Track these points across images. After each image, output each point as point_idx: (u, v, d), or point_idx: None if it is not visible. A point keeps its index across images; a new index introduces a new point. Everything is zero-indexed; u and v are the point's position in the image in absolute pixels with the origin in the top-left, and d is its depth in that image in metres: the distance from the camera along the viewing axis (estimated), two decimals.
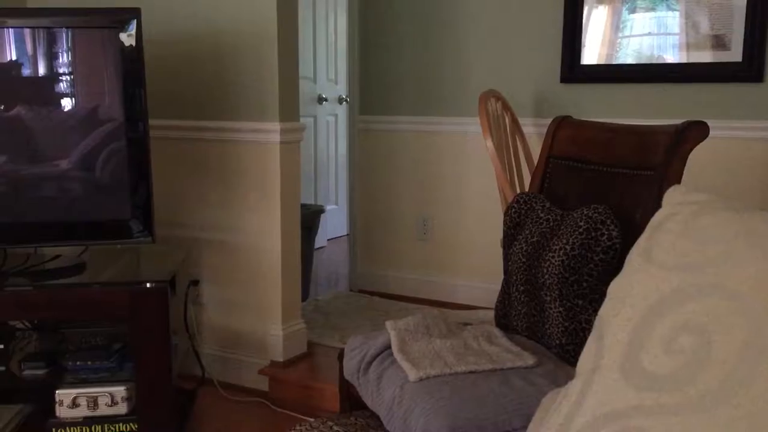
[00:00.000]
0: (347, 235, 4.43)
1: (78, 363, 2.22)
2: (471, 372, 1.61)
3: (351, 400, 1.89)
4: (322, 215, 3.92)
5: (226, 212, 2.76)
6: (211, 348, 2.85)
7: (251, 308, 2.76)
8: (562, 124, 2.07)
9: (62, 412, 2.13)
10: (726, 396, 0.65)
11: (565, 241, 1.70)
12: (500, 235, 2.18)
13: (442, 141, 3.53)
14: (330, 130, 5.06)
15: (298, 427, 1.74)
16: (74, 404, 2.13)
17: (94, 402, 2.13)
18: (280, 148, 2.61)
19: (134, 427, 2.14)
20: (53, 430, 2.13)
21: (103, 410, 2.13)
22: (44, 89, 2.18)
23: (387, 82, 3.65)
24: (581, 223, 1.69)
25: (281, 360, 2.71)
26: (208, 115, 2.74)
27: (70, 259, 2.33)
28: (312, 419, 1.77)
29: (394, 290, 3.70)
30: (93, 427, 2.14)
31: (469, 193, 3.49)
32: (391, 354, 1.73)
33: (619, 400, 0.72)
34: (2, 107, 2.14)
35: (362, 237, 3.83)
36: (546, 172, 2.06)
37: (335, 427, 1.68)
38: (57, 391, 2.13)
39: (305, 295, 3.41)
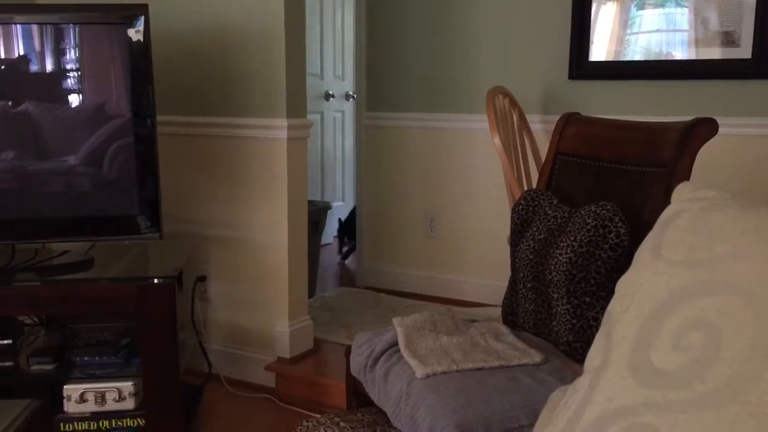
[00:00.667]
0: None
1: (86, 358, 2.22)
2: (478, 369, 1.61)
3: (358, 397, 1.90)
4: (329, 212, 3.92)
5: (233, 208, 2.76)
6: (218, 344, 2.85)
7: (258, 304, 2.77)
8: (570, 121, 2.06)
9: (70, 407, 2.14)
10: (734, 393, 0.64)
11: (572, 238, 1.69)
12: (507, 232, 2.17)
13: (450, 138, 3.52)
14: (337, 126, 5.06)
15: (305, 423, 1.75)
16: (82, 399, 2.13)
17: (101, 397, 2.13)
18: (287, 145, 2.62)
19: (141, 422, 2.15)
20: (61, 424, 2.14)
21: (111, 405, 2.14)
22: (52, 85, 2.19)
23: (394, 79, 3.65)
24: (589, 220, 1.68)
25: (288, 356, 2.72)
26: (215, 111, 2.74)
27: (78, 254, 2.33)
28: (318, 415, 1.77)
29: (401, 287, 3.70)
30: (100, 422, 2.14)
31: (476, 190, 3.48)
32: (398, 350, 1.73)
33: (627, 396, 0.72)
34: (10, 103, 2.15)
35: (369, 234, 3.83)
36: (554, 168, 2.06)
37: (342, 423, 1.68)
38: (65, 386, 2.13)
39: (312, 292, 3.41)
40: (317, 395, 2.61)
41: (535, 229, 1.86)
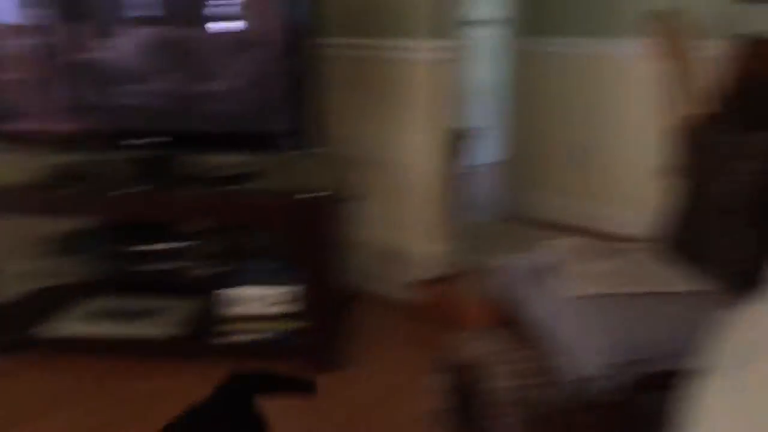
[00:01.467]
0: (500, 161, 4.37)
1: (248, 264, 2.35)
2: (632, 294, 1.57)
3: (500, 317, 1.91)
4: (474, 139, 3.89)
5: (381, 129, 2.79)
6: (365, 261, 2.94)
7: (402, 225, 2.82)
8: (752, 43, 1.90)
9: (232, 309, 2.29)
10: None
11: (754, 162, 1.58)
12: (662, 163, 2.07)
13: (605, 64, 3.36)
14: (485, 52, 4.94)
15: (451, 337, 1.78)
16: (244, 302, 2.27)
17: (262, 301, 2.26)
18: (432, 68, 2.59)
19: (300, 325, 2.25)
20: (223, 324, 2.30)
21: (271, 309, 2.26)
22: (210, 7, 2.25)
23: (547, 1, 3.50)
24: None
25: (429, 278, 2.76)
26: (367, 33, 2.75)
27: (241, 167, 2.45)
28: (463, 334, 1.80)
29: (546, 217, 3.63)
30: (260, 324, 2.28)
31: (630, 119, 3.32)
32: (549, 272, 1.71)
33: None
34: (169, 27, 2.25)
35: (515, 162, 3.77)
36: (729, 93, 1.92)
37: (487, 339, 1.71)
38: (228, 290, 2.28)
39: (454, 217, 3.43)
40: (457, 316, 2.65)
41: (704, 155, 1.76)
